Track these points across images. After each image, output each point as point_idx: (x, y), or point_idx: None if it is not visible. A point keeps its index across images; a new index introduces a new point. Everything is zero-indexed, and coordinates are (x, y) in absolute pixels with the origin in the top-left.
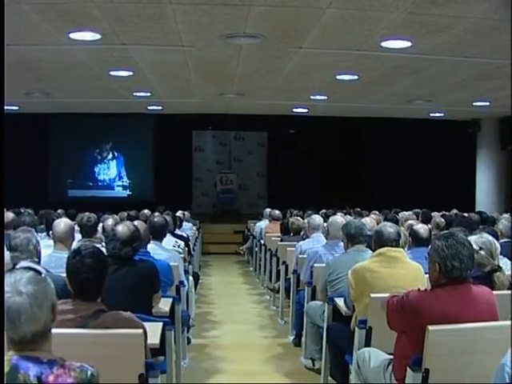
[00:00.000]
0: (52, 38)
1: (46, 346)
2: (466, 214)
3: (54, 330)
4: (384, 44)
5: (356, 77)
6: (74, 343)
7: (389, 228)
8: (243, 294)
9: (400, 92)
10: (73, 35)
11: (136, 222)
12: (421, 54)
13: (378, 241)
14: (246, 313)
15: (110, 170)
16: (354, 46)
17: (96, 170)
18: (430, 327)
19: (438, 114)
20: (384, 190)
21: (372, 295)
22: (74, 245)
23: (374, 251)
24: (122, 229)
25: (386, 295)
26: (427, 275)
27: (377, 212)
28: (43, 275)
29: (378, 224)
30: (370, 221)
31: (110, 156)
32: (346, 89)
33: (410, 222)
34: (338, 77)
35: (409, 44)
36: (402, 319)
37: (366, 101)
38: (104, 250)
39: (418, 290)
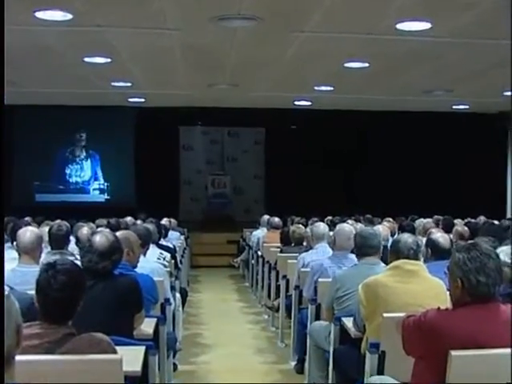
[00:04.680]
0: (15, 16)
1: (8, 375)
2: (495, 222)
3: (17, 357)
4: (399, 26)
5: (366, 64)
6: (41, 371)
7: (407, 238)
8: (238, 312)
9: (417, 81)
10: (40, 14)
11: (121, 232)
12: (441, 36)
13: (394, 252)
14: (241, 334)
15: (83, 171)
16: (365, 30)
17: (67, 170)
18: (453, 352)
19: (461, 107)
20: (399, 194)
21: (385, 314)
22: (42, 257)
23: (388, 264)
24: (100, 239)
25: (402, 314)
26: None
27: (390, 219)
28: (6, 293)
29: (392, 232)
30: (382, 229)
31: (84, 155)
32: (355, 78)
33: (430, 230)
34: (346, 65)
35: (428, 26)
36: (420, 342)
37: (377, 92)
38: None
39: (438, 308)
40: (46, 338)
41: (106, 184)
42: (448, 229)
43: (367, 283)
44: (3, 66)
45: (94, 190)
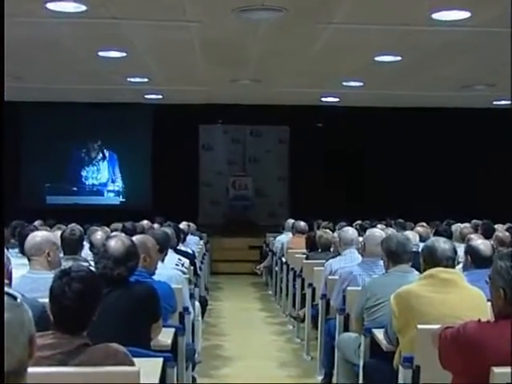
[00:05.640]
0: (26, 8)
1: None
2: None
3: (29, 369)
4: (436, 16)
5: (399, 58)
6: None
7: (443, 244)
8: (260, 323)
9: (454, 76)
10: (51, 5)
11: (138, 236)
12: (482, 26)
13: (428, 259)
14: (264, 346)
15: (100, 173)
16: (398, 20)
17: (83, 173)
18: (495, 369)
19: (503, 102)
20: (433, 197)
21: (420, 326)
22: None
23: (422, 272)
24: (115, 244)
25: (438, 326)
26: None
27: (424, 224)
28: (19, 300)
29: (421, 237)
30: (412, 236)
31: (100, 155)
32: (387, 73)
33: (469, 236)
34: (377, 58)
35: (467, 14)
36: (458, 357)
37: (410, 87)
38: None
39: (478, 320)
40: (59, 348)
41: (121, 186)
42: (488, 234)
43: (399, 293)
44: (3, 62)
45: (109, 192)
